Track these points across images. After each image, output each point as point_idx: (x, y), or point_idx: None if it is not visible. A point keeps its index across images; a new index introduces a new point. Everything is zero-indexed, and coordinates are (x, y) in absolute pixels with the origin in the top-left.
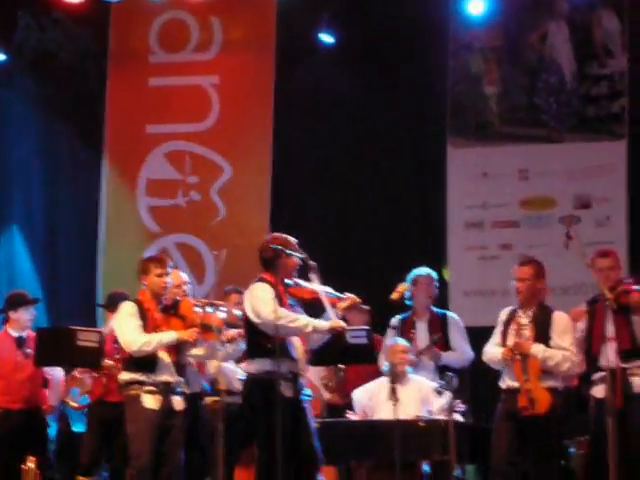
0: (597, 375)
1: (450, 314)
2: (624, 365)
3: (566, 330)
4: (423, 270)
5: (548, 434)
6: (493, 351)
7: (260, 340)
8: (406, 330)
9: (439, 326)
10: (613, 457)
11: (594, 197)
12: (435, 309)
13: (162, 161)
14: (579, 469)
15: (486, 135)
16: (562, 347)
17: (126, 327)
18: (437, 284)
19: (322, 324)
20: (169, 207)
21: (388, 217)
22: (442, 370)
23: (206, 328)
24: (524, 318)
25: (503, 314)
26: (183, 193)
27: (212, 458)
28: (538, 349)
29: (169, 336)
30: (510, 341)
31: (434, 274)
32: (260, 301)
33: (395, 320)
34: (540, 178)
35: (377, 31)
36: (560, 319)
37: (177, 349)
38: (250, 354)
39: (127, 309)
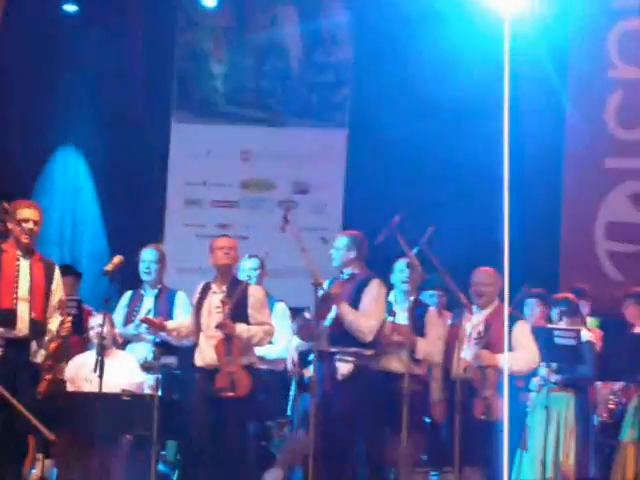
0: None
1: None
2: (331, 349)
3: (263, 304)
4: (152, 244)
5: (245, 415)
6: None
7: None
8: (133, 303)
9: (165, 301)
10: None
11: (312, 183)
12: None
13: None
14: (280, 450)
15: (211, 113)
16: (261, 322)
17: None
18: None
19: None
20: None
21: (109, 189)
22: (157, 345)
23: None
24: (218, 294)
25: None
26: None
27: None
28: (243, 329)
29: None
30: (205, 319)
31: (163, 248)
32: None
33: (126, 293)
34: (261, 160)
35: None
36: (256, 293)
37: None
38: None
39: None
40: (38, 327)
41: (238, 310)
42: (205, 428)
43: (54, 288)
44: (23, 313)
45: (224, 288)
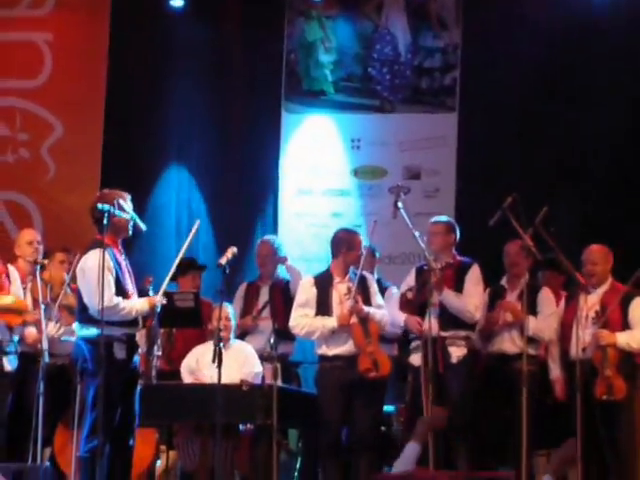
0: (415, 343)
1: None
2: (443, 333)
3: (377, 289)
4: (267, 237)
5: (380, 399)
6: (317, 322)
7: None
8: (250, 295)
9: (281, 292)
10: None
11: (424, 168)
12: (282, 276)
13: None
14: (398, 435)
15: (320, 102)
16: (380, 305)
17: None
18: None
19: (144, 306)
20: None
21: (222, 182)
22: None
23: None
24: (344, 283)
25: (308, 284)
26: (12, 150)
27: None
28: (375, 311)
29: None
30: (336, 309)
31: (277, 241)
32: (91, 286)
33: (242, 285)
34: (372, 148)
35: None
36: (372, 280)
37: None
38: (81, 318)
39: None
40: None
41: (364, 296)
42: (340, 416)
43: None
44: None
45: (347, 277)
